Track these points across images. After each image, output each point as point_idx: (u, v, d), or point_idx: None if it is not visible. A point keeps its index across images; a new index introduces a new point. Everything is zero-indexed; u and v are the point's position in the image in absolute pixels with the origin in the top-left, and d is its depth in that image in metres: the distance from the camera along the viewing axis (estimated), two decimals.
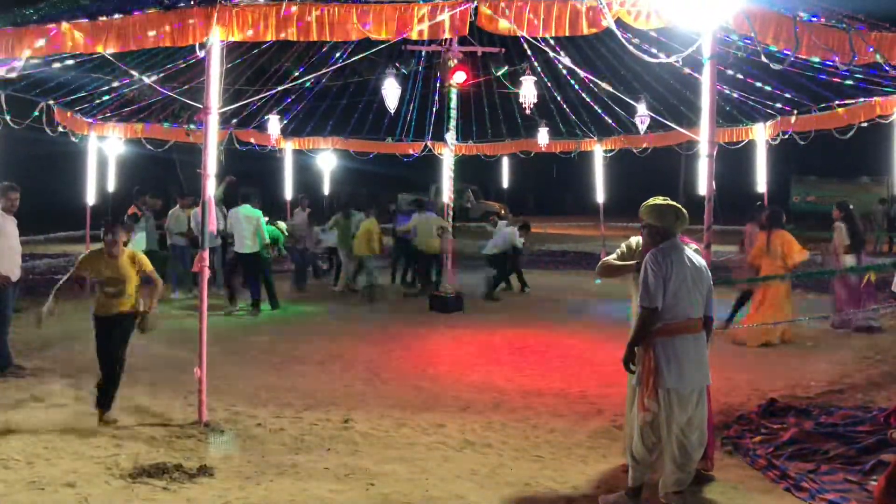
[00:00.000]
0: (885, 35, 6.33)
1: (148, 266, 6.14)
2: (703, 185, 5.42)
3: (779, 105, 12.13)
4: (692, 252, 4.61)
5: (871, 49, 5.99)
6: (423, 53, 12.61)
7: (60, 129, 12.14)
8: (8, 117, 10.36)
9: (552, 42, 8.80)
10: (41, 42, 6.25)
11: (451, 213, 12.34)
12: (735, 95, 11.91)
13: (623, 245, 5.09)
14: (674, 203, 4.62)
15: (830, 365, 8.18)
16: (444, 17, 6.04)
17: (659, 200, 4.67)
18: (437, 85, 14.65)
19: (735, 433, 5.83)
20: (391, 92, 11.62)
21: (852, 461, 5.11)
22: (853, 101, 10.94)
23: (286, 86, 10.25)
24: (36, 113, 11.10)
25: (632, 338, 4.50)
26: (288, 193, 17.48)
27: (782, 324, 9.17)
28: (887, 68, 6.63)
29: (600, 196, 17.88)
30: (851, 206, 10.81)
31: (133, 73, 8.77)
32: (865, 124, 10.94)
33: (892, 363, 8.25)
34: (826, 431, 5.64)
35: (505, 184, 23.74)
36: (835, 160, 27.62)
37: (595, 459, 5.38)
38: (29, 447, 5.31)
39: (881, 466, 4.78)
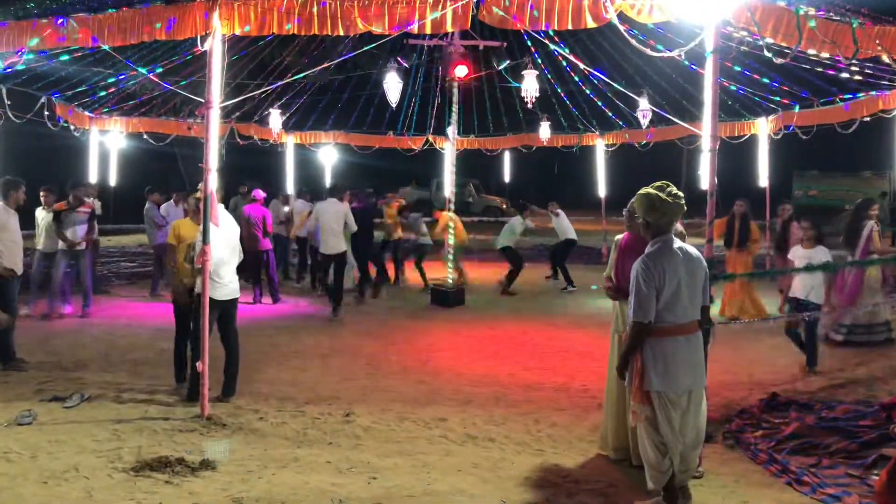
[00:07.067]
0: (888, 29, 6.31)
1: None
2: (706, 179, 5.41)
3: (777, 98, 12.10)
4: (684, 244, 4.41)
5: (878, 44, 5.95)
6: (425, 47, 12.59)
7: (62, 123, 12.16)
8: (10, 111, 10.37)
9: (554, 36, 8.79)
10: (43, 36, 6.25)
11: (452, 207, 12.33)
12: (738, 90, 11.88)
13: (612, 247, 5.38)
14: (666, 194, 4.31)
15: (832, 359, 8.18)
16: (447, 10, 6.02)
17: (651, 190, 4.36)
18: (439, 79, 14.66)
19: (736, 427, 5.84)
20: (393, 86, 11.61)
21: (854, 455, 5.13)
22: (855, 95, 10.90)
23: (288, 80, 10.22)
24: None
25: (624, 349, 4.39)
26: (290, 188, 17.47)
27: None
28: (890, 63, 6.59)
29: (602, 190, 17.88)
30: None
31: (134, 66, 8.77)
32: (868, 119, 10.91)
33: (893, 357, 8.25)
34: (827, 426, 5.65)
35: (507, 178, 23.74)
36: (837, 155, 27.54)
37: (596, 453, 5.39)
38: (32, 440, 5.32)
39: (882, 461, 4.79)
